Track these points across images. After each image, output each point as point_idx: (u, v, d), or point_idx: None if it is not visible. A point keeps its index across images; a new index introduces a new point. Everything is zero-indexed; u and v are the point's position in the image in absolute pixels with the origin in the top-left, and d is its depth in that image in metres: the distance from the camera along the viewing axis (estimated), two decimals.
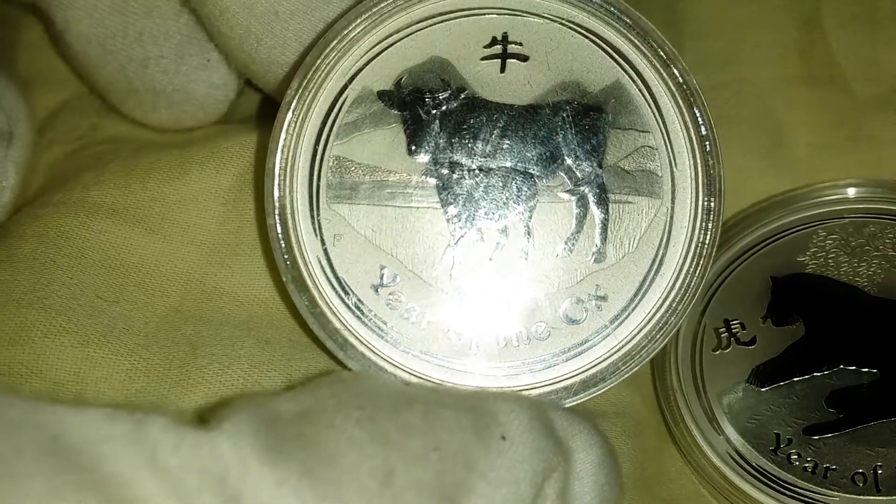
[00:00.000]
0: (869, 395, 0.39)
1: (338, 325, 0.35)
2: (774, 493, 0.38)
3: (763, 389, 0.39)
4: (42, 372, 0.36)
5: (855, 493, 0.37)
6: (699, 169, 0.35)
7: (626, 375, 0.36)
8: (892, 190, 0.42)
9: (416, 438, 0.30)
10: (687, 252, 0.35)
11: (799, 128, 0.45)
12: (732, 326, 0.41)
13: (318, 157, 0.36)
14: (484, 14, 0.36)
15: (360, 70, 0.36)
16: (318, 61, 0.36)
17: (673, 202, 0.35)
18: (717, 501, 0.40)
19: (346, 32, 0.36)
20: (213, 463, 0.28)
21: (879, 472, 0.38)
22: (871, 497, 0.37)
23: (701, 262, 0.35)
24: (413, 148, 0.36)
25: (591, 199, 0.35)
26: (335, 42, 0.36)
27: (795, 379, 0.39)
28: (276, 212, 0.35)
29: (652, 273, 0.35)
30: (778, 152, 0.45)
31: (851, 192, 0.43)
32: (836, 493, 0.37)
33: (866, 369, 0.39)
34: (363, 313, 0.35)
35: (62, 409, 0.29)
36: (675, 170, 0.35)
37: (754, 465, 0.38)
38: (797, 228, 0.42)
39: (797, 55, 0.46)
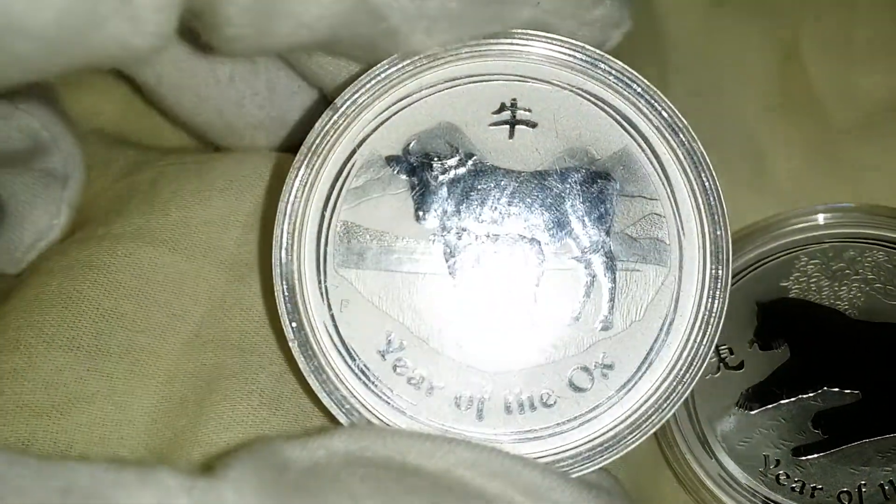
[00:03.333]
0: (853, 415, 0.40)
1: (344, 391, 0.35)
2: None
3: (752, 412, 0.41)
4: (72, 415, 0.37)
5: None
6: (707, 237, 0.35)
7: (634, 445, 0.36)
8: (869, 214, 0.44)
9: (417, 498, 0.31)
10: (694, 321, 0.35)
11: (780, 155, 0.46)
12: (721, 351, 0.42)
13: (326, 222, 0.36)
14: (492, 80, 0.36)
15: (368, 135, 0.36)
16: (327, 126, 0.36)
17: (681, 270, 0.35)
18: None
19: (355, 98, 0.36)
20: None
21: (864, 489, 0.39)
22: None
23: (709, 331, 0.35)
24: (420, 214, 0.36)
25: (598, 266, 0.35)
26: (344, 107, 0.36)
27: (782, 401, 0.41)
28: (283, 277, 0.36)
29: (659, 342, 0.35)
30: (760, 179, 0.46)
31: (831, 216, 0.44)
32: None
33: (849, 391, 0.41)
34: (369, 379, 0.36)
35: (72, 463, 0.30)
36: (682, 238, 0.35)
37: (745, 486, 0.40)
38: (780, 254, 0.44)
39: (777, 84, 0.47)
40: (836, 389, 0.41)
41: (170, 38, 0.32)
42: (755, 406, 0.41)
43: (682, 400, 0.35)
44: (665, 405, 0.35)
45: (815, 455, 0.40)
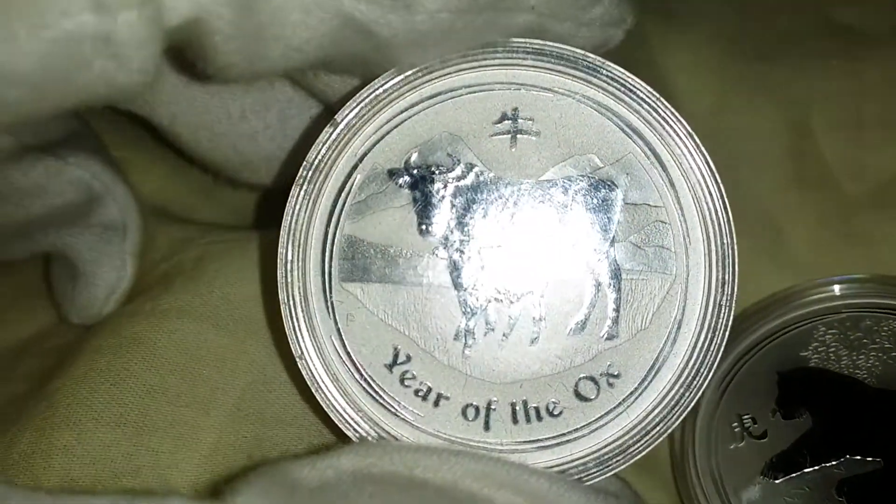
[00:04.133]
0: (876, 482, 0.41)
1: (350, 405, 0.35)
2: None
3: (777, 481, 0.41)
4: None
5: None
6: (713, 243, 0.35)
7: (641, 454, 0.35)
8: (884, 284, 0.44)
9: None
10: (701, 328, 0.35)
11: (795, 228, 0.47)
12: (745, 421, 0.43)
13: (331, 238, 0.36)
14: (493, 90, 0.36)
15: (369, 149, 0.36)
16: (328, 142, 0.36)
17: (687, 278, 0.35)
18: None
19: (354, 112, 0.36)
20: None
21: None
22: None
23: (716, 338, 0.35)
24: (424, 227, 0.36)
25: (603, 276, 0.35)
26: (344, 122, 0.36)
27: (806, 470, 0.41)
28: (289, 292, 0.36)
29: (666, 350, 0.35)
30: (777, 252, 0.47)
31: (847, 287, 0.45)
32: None
33: (871, 458, 0.41)
34: (376, 392, 0.36)
35: (89, 499, 0.31)
36: (688, 245, 0.35)
37: None
38: (799, 324, 0.44)
39: (790, 160, 0.48)
40: (859, 457, 0.41)
41: (155, 73, 0.32)
42: (780, 475, 0.41)
43: (689, 409, 0.35)
44: (673, 413, 0.35)
45: None
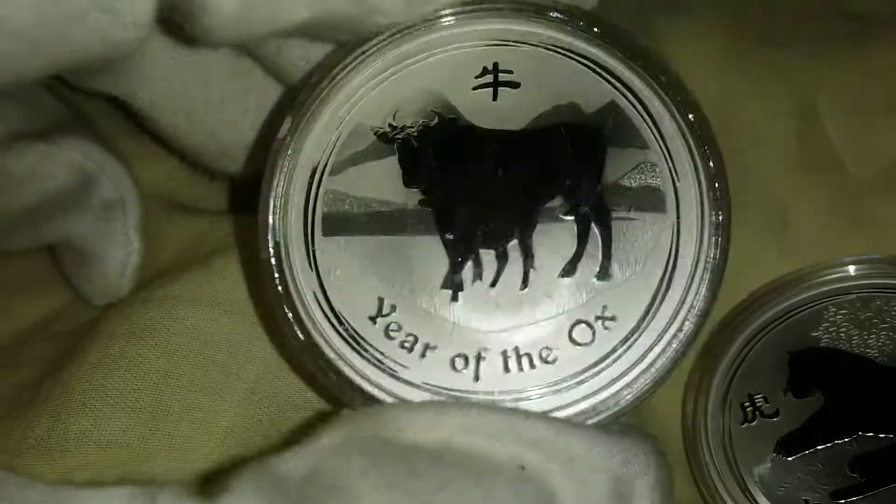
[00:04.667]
0: (888, 458, 0.41)
1: (333, 356, 0.34)
2: None
3: (789, 459, 0.41)
4: (136, 474, 0.38)
5: None
6: (703, 182, 0.35)
7: (641, 398, 0.34)
8: (894, 265, 0.45)
9: (422, 482, 0.31)
10: (696, 267, 0.34)
11: (803, 211, 0.47)
12: (756, 401, 0.43)
13: (314, 193, 0.36)
14: (475, 46, 0.37)
15: (353, 106, 0.37)
16: (309, 99, 0.37)
17: (678, 217, 0.34)
18: None
19: (337, 69, 0.37)
20: None
21: None
22: None
23: (712, 278, 0.34)
24: (408, 179, 0.36)
25: (591, 217, 0.35)
26: (326, 79, 0.37)
27: (819, 447, 0.41)
28: (271, 247, 0.35)
29: (662, 290, 0.34)
30: (785, 235, 0.47)
31: (856, 269, 0.45)
32: None
33: (883, 434, 0.41)
34: (359, 344, 0.35)
35: (84, 492, 0.32)
36: (677, 184, 0.35)
37: None
38: (809, 305, 0.44)
39: (796, 144, 0.48)
40: (871, 434, 0.42)
41: (150, 27, 0.32)
42: (792, 452, 0.42)
43: (687, 350, 0.34)
44: (671, 355, 0.34)
45: (854, 498, 0.40)
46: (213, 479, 0.32)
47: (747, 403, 0.43)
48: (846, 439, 0.42)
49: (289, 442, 0.35)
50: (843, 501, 0.41)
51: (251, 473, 0.32)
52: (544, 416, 0.33)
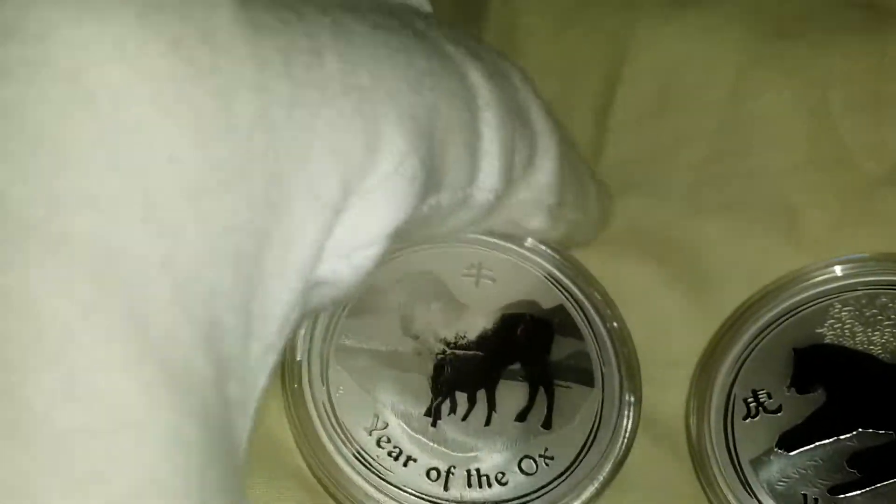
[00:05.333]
0: (887, 455, 0.42)
1: (340, 459, 0.42)
2: None
3: (790, 454, 0.42)
4: None
5: None
6: (622, 371, 0.44)
7: None
8: None
9: None
10: (615, 429, 0.44)
11: (812, 208, 0.48)
12: (760, 396, 0.44)
13: (326, 349, 0.43)
14: (465, 248, 0.45)
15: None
16: None
17: (602, 392, 0.44)
18: None
19: None
20: None
21: None
22: None
23: (625, 441, 0.44)
24: (408, 333, 0.44)
25: (540, 382, 0.44)
26: None
27: (819, 443, 0.42)
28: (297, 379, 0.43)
29: (589, 441, 0.43)
30: (794, 232, 0.48)
31: (863, 265, 0.46)
32: None
33: (883, 431, 0.42)
34: (356, 449, 0.42)
35: None
36: (603, 369, 0.44)
37: None
38: (815, 302, 0.45)
39: (806, 142, 0.49)
40: (871, 430, 0.43)
41: None
42: (793, 447, 0.43)
43: (604, 491, 0.43)
44: (595, 490, 0.43)
45: (852, 493, 0.41)
46: None
47: (751, 399, 0.44)
48: (847, 435, 0.43)
49: None
50: (841, 496, 0.42)
51: None
52: None
